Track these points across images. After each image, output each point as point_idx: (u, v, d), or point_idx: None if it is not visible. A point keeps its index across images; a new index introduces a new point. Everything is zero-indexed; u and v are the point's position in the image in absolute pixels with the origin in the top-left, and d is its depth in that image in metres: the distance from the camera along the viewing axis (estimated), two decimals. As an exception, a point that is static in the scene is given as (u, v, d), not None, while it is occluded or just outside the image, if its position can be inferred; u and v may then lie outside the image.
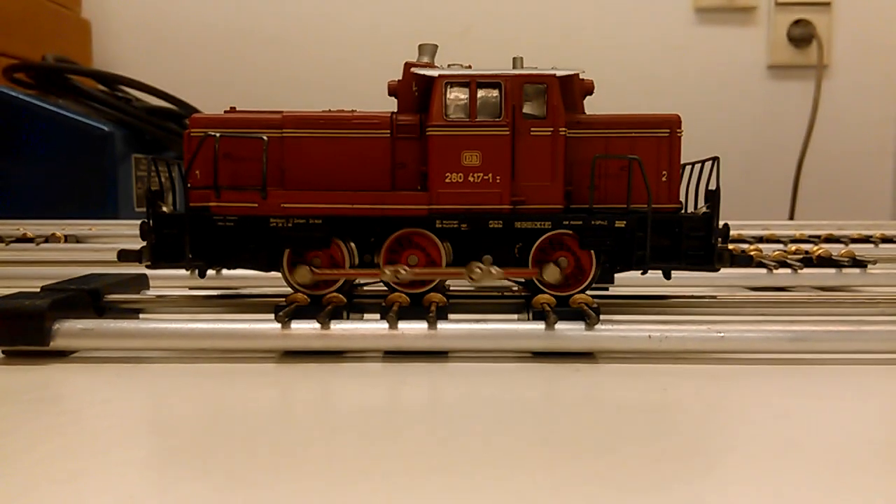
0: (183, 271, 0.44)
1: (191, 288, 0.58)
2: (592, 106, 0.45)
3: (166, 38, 1.69)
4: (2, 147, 1.23)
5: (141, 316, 0.48)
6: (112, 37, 1.69)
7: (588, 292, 0.44)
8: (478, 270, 0.42)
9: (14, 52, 1.35)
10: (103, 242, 0.88)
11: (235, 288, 0.59)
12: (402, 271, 0.42)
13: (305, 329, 0.41)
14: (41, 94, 1.28)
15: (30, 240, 0.85)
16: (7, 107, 1.23)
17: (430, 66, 0.44)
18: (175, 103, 1.35)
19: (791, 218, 1.58)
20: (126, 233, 0.94)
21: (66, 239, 0.88)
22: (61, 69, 1.29)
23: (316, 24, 1.68)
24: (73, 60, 1.37)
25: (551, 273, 0.43)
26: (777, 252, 0.71)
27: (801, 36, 1.64)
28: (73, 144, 1.22)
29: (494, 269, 0.43)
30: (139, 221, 0.44)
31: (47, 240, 0.86)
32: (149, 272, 0.49)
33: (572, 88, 0.44)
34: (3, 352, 0.42)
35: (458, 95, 0.43)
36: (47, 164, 1.22)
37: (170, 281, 0.58)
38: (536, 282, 0.44)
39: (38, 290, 0.44)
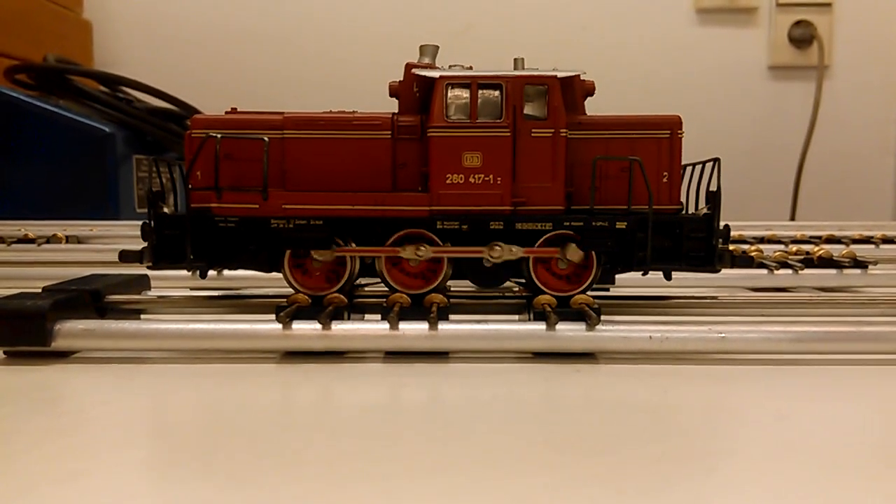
0: (184, 272, 0.44)
1: (192, 289, 0.58)
2: (593, 107, 0.45)
3: (167, 38, 1.69)
4: (3, 148, 1.23)
5: (142, 316, 0.48)
6: (113, 38, 1.69)
7: (589, 293, 0.44)
8: (498, 248, 0.43)
9: (15, 53, 1.35)
10: (104, 243, 0.88)
11: (236, 289, 0.59)
12: (423, 248, 0.43)
13: (306, 330, 0.41)
14: (42, 94, 1.28)
15: (31, 240, 0.85)
16: (8, 107, 1.23)
17: (431, 66, 0.44)
18: (176, 104, 1.35)
19: (792, 218, 1.58)
20: (127, 233, 0.94)
21: (68, 240, 0.88)
22: (62, 70, 1.29)
23: (316, 24, 1.68)
24: (74, 61, 1.37)
25: (573, 252, 0.43)
26: (778, 253, 0.71)
27: (802, 37, 1.64)
28: (74, 145, 1.22)
29: (514, 248, 0.43)
30: (140, 222, 0.44)
31: (48, 240, 0.86)
32: (150, 273, 0.49)
33: (573, 89, 0.44)
34: (5, 352, 0.42)
35: (459, 96, 0.43)
36: (48, 165, 1.22)
37: (171, 281, 0.58)
38: (536, 281, 0.44)
39: (40, 290, 0.44)
